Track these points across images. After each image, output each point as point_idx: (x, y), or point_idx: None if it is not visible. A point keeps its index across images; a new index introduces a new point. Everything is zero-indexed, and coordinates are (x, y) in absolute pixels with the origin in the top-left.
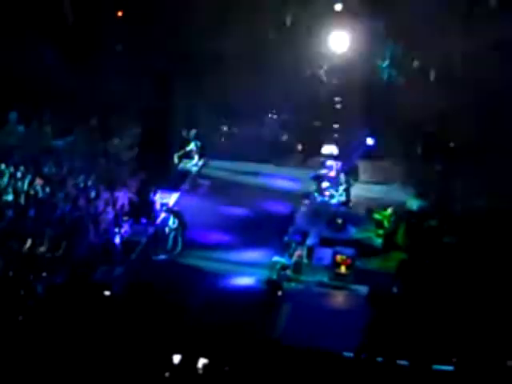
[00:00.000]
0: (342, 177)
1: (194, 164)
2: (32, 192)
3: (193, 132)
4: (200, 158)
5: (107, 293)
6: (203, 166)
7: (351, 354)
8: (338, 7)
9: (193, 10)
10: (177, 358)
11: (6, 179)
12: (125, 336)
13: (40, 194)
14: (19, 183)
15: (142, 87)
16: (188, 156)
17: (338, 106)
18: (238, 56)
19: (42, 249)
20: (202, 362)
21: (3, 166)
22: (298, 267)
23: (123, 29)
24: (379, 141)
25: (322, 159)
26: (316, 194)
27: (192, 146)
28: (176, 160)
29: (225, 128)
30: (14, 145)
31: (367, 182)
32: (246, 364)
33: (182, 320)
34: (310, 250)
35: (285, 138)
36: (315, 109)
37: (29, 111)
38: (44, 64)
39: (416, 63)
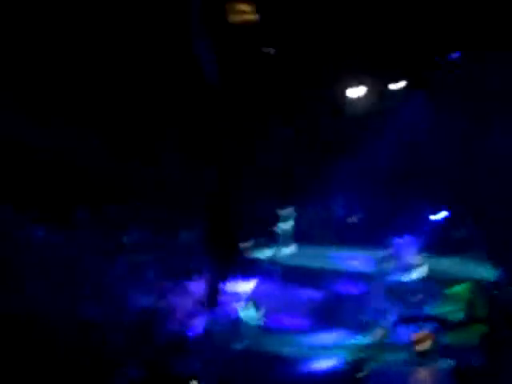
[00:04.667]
0: (415, 252)
1: (275, 251)
2: None
3: (287, 211)
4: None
5: None
6: (277, 252)
7: None
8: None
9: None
10: None
11: None
12: None
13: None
14: None
15: (204, 177)
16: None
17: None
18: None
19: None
20: None
21: None
22: (378, 346)
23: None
24: (452, 213)
25: (392, 237)
26: (389, 272)
27: (284, 228)
28: (247, 247)
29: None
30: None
31: (441, 256)
32: None
33: None
34: (389, 329)
35: (353, 217)
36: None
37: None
38: (101, 157)
39: None
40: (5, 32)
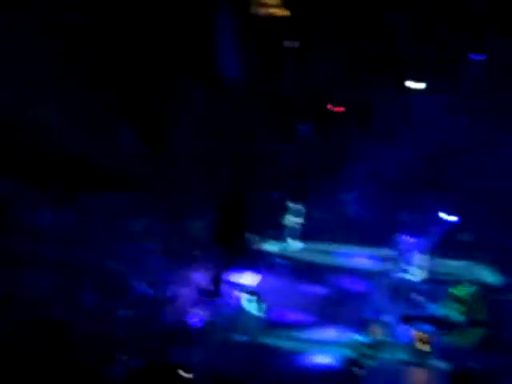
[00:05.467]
0: (421, 253)
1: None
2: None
3: (297, 206)
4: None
5: (188, 376)
6: (280, 246)
7: None
8: None
9: None
10: None
11: None
12: None
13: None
14: None
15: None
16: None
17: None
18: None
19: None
20: None
21: None
22: (377, 345)
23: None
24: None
25: (399, 236)
26: (394, 271)
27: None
28: (255, 239)
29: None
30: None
31: (446, 258)
32: None
33: None
34: (389, 328)
35: (361, 216)
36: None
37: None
38: (121, 152)
39: None
40: None
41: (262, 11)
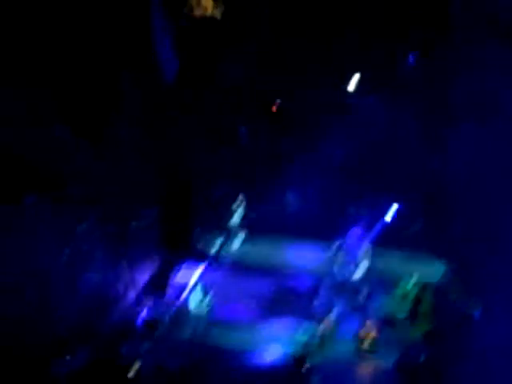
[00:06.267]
0: (366, 247)
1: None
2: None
3: (238, 201)
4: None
5: (131, 373)
6: (225, 242)
7: None
8: None
9: None
10: None
11: None
12: None
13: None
14: None
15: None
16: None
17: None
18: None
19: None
20: None
21: None
22: (323, 341)
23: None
24: (404, 208)
25: (344, 230)
26: (340, 266)
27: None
28: (198, 236)
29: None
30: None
31: (391, 252)
32: None
33: None
34: (335, 323)
35: (305, 211)
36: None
37: (44, 192)
38: (57, 143)
39: None
40: None
41: (197, 12)
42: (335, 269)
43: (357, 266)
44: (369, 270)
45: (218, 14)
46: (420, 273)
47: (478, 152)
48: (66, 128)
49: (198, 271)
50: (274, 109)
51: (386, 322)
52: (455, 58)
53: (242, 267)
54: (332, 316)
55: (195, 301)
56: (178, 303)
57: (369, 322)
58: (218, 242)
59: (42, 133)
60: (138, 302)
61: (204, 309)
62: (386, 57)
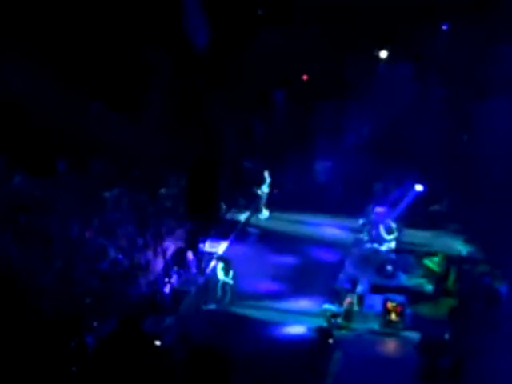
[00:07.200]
0: (392, 223)
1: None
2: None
3: (266, 176)
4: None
5: (157, 343)
6: (251, 215)
7: None
8: None
9: None
10: None
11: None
12: None
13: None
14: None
15: (190, 137)
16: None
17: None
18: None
19: (88, 300)
20: None
21: None
22: (348, 315)
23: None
24: (428, 187)
25: (371, 206)
26: (365, 242)
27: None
28: (225, 209)
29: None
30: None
31: (417, 229)
32: None
33: (230, 371)
34: (361, 298)
35: (332, 186)
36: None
37: (76, 161)
38: (90, 115)
39: None
40: None
41: None
42: (362, 243)
43: (383, 241)
44: (394, 246)
45: None
46: (446, 250)
47: (506, 129)
48: (103, 104)
49: (225, 243)
50: (305, 77)
51: (412, 297)
52: (485, 33)
53: (268, 240)
54: (358, 290)
55: (222, 272)
56: (204, 274)
57: (395, 297)
58: (245, 214)
59: (80, 108)
60: (166, 271)
61: (230, 280)
62: (414, 30)
